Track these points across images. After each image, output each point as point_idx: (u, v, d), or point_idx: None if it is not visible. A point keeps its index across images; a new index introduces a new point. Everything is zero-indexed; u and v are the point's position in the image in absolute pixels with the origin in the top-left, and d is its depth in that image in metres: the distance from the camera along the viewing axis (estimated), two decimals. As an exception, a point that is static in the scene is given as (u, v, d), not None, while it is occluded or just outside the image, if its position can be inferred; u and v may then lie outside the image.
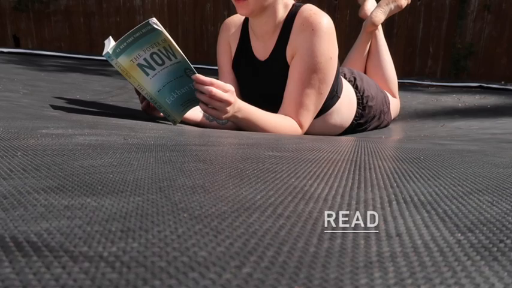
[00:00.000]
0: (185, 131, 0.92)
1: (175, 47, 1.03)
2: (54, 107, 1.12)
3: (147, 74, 1.06)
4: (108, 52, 1.01)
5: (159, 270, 0.19)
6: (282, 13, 1.22)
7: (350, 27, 3.70)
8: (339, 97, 1.35)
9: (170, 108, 1.12)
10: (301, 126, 1.22)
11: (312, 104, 1.21)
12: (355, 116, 1.46)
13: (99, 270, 0.19)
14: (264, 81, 1.28)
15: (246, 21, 1.34)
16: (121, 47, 1.02)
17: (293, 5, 1.23)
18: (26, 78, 1.66)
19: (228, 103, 1.03)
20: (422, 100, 2.13)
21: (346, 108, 1.41)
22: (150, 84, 1.07)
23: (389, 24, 3.66)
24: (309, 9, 1.21)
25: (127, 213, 0.27)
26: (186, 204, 0.29)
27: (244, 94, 1.39)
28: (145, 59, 1.04)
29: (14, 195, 0.30)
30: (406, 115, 1.86)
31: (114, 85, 1.73)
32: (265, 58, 1.28)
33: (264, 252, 0.21)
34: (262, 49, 1.29)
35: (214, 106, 1.03)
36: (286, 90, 1.21)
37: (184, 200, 0.30)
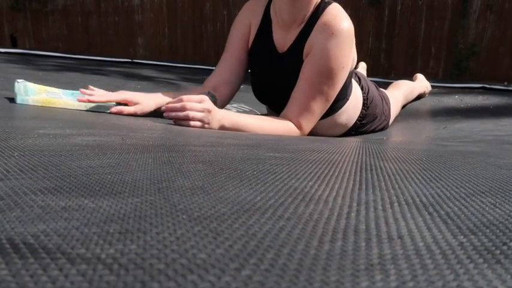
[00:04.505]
0: (184, 131, 0.92)
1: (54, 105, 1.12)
2: (52, 107, 1.12)
3: (60, 97, 1.14)
4: (18, 99, 1.06)
5: (157, 273, 0.18)
6: (313, 5, 1.20)
7: (350, 27, 3.69)
8: (348, 99, 1.35)
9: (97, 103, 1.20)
10: (300, 128, 1.21)
11: (317, 108, 1.21)
12: (359, 116, 1.46)
13: (97, 272, 0.18)
14: (279, 74, 1.27)
15: (268, 8, 1.30)
16: (22, 93, 1.09)
17: (322, 0, 1.21)
18: (24, 78, 1.66)
19: (207, 110, 1.04)
20: (424, 101, 2.14)
21: (352, 108, 1.41)
22: (68, 99, 1.14)
23: (391, 24, 3.66)
24: (336, 11, 1.19)
25: (125, 215, 0.26)
26: (185, 205, 0.29)
27: (257, 83, 1.38)
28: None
29: (11, 196, 0.29)
30: (407, 116, 1.86)
31: (112, 85, 1.73)
32: (284, 50, 1.26)
33: (264, 255, 0.21)
34: (283, 40, 1.26)
35: (195, 117, 1.02)
36: (294, 89, 1.21)
37: (183, 202, 0.30)
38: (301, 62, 1.21)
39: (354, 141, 0.92)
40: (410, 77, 2.38)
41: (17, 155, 0.44)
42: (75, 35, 4.36)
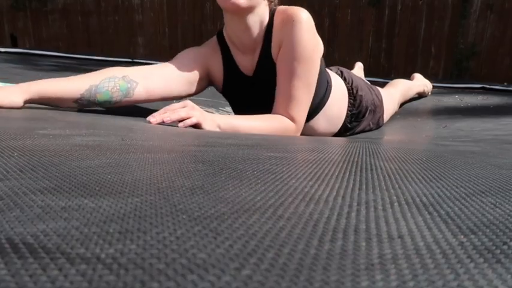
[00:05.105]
0: (184, 131, 0.92)
1: None
2: (52, 108, 1.11)
3: None
4: None
5: (157, 272, 0.18)
6: (266, 19, 1.23)
7: (351, 26, 3.70)
8: (331, 86, 1.37)
9: None
10: (293, 120, 1.21)
11: (303, 95, 1.22)
12: (348, 106, 1.49)
13: (97, 272, 0.18)
14: (258, 94, 1.28)
15: (221, 42, 1.31)
16: None
17: (269, 11, 1.25)
18: (23, 78, 1.66)
19: (193, 108, 1.04)
20: (424, 101, 2.14)
21: (340, 98, 1.44)
22: None
23: (390, 24, 3.66)
24: (285, 7, 1.23)
25: (125, 215, 0.26)
26: (185, 205, 0.29)
27: (241, 112, 1.38)
28: None
29: (11, 196, 0.29)
30: (407, 115, 1.86)
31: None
32: (253, 71, 1.28)
33: (264, 254, 0.21)
34: (248, 62, 1.28)
35: (188, 115, 1.02)
36: (276, 88, 1.22)
37: (183, 201, 0.30)
38: (275, 68, 1.23)
39: (353, 141, 0.92)
40: (410, 77, 2.39)
41: (16, 155, 0.44)
42: (75, 35, 4.36)
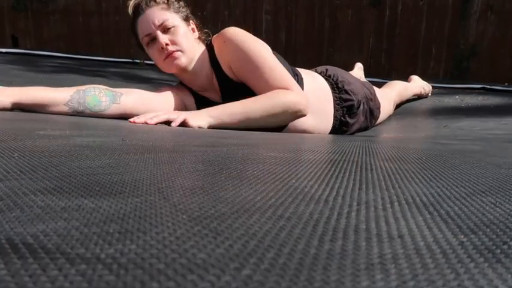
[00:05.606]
0: (184, 131, 0.92)
1: None
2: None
3: None
4: None
5: (157, 272, 0.18)
6: (208, 57, 1.32)
7: (351, 27, 3.70)
8: (303, 79, 1.40)
9: None
10: (288, 88, 1.24)
11: (277, 72, 1.26)
12: (335, 99, 1.50)
13: (96, 272, 0.18)
14: None
15: (186, 87, 1.39)
16: None
17: (208, 45, 1.35)
18: (24, 80, 1.67)
19: (172, 112, 1.14)
20: (424, 101, 2.14)
21: (320, 92, 1.46)
22: None
23: (391, 24, 3.66)
24: (217, 34, 1.33)
25: (125, 215, 0.26)
26: (185, 205, 0.29)
27: None
28: None
29: (11, 197, 0.29)
30: (407, 115, 1.86)
31: (113, 86, 1.73)
32: (220, 96, 1.35)
33: (264, 254, 0.21)
34: (214, 94, 1.36)
35: (170, 118, 1.09)
36: (253, 88, 1.27)
37: (183, 202, 0.30)
38: (239, 84, 1.29)
39: (353, 140, 0.92)
40: (408, 79, 2.39)
41: (17, 156, 0.44)
42: (76, 35, 4.36)
